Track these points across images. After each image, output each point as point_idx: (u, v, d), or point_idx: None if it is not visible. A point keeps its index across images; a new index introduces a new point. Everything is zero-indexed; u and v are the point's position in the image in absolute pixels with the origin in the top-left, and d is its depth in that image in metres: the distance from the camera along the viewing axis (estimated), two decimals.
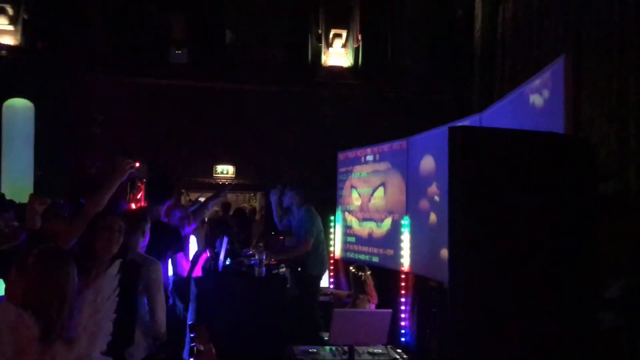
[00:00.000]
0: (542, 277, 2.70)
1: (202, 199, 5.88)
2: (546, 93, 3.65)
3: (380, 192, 6.86)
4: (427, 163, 5.87)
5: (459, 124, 5.38)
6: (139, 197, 6.41)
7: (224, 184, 9.67)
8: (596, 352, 2.86)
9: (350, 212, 7.49)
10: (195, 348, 4.20)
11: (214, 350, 4.31)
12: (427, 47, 9.74)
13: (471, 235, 2.66)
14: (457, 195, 2.69)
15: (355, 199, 7.36)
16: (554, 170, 2.76)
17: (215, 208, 8.72)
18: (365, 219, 7.11)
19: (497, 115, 4.66)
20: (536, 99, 3.84)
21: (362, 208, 7.19)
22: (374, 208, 6.94)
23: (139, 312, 3.30)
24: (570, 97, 3.32)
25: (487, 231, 2.68)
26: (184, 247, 4.50)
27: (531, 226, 2.71)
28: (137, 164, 5.22)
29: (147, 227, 3.71)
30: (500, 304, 2.65)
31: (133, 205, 5.97)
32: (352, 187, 7.42)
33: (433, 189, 5.65)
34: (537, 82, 3.85)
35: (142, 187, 6.61)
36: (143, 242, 3.69)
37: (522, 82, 4.28)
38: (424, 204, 5.96)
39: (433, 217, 5.74)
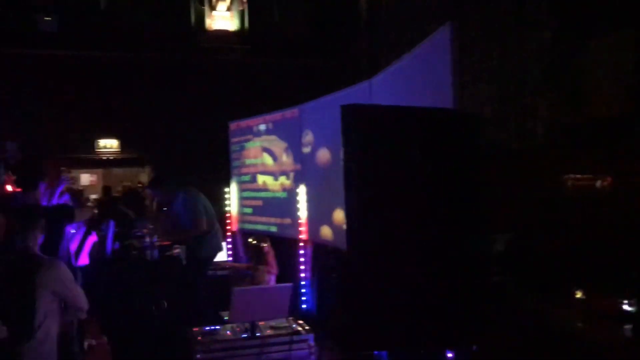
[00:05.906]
0: (436, 238, 2.81)
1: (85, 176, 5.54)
2: (433, 59, 3.65)
3: (284, 156, 6.67)
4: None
5: (349, 90, 5.36)
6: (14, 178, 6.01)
7: (107, 159, 9.14)
8: (485, 304, 3.00)
9: (262, 173, 7.12)
10: (86, 343, 3.93)
11: (108, 344, 4.05)
12: (314, 12, 9.61)
13: (366, 209, 2.72)
14: (351, 171, 2.72)
15: (267, 160, 7.00)
16: (445, 143, 2.84)
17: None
18: (281, 173, 6.76)
19: (386, 82, 4.64)
20: (421, 66, 3.85)
21: (279, 165, 6.82)
22: (287, 164, 6.66)
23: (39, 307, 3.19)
24: (456, 64, 3.35)
25: (381, 201, 2.75)
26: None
27: (423, 195, 2.81)
28: None
29: (44, 223, 3.50)
30: (397, 265, 2.73)
31: (9, 187, 5.71)
32: (264, 149, 7.06)
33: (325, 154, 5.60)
34: (421, 50, 3.87)
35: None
36: (40, 239, 3.46)
37: (406, 50, 4.29)
38: (317, 171, 5.93)
39: (326, 185, 5.72)
